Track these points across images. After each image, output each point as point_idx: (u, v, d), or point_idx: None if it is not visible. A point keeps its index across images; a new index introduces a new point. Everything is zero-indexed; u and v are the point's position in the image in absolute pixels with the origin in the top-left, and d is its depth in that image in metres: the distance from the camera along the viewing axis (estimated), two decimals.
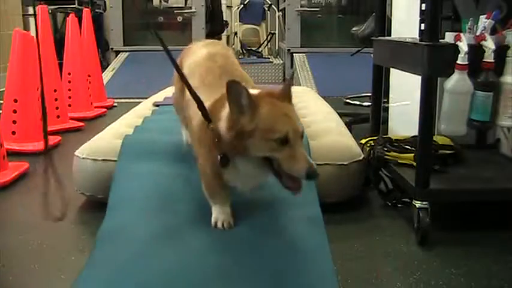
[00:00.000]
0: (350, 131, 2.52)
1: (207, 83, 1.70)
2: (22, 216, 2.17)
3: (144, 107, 3.19)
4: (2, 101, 3.27)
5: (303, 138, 1.42)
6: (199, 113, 1.56)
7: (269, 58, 7.51)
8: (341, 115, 2.90)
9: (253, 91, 1.47)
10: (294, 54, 6.60)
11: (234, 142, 1.43)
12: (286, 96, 1.48)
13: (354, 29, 4.03)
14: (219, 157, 1.50)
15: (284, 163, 1.38)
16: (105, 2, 7.70)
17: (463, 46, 1.83)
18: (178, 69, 1.69)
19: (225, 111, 1.47)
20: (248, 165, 1.47)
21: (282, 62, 7.07)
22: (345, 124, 2.70)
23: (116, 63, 6.56)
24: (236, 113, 1.42)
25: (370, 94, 2.69)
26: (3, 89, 3.31)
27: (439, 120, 2.00)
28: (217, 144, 1.49)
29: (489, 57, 1.86)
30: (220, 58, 1.81)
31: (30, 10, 6.73)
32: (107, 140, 2.32)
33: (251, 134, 1.40)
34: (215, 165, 1.54)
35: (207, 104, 1.56)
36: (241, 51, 7.83)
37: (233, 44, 8.51)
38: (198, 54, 1.87)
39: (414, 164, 1.97)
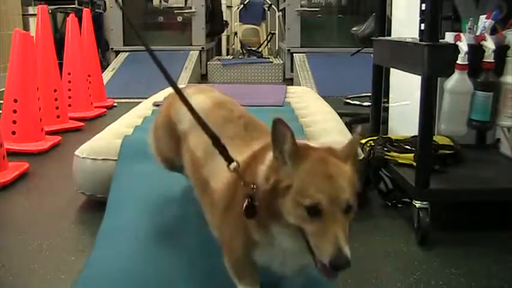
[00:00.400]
0: (350, 131, 2.52)
1: (230, 134, 1.37)
2: (22, 216, 2.17)
3: (144, 107, 3.19)
4: (2, 101, 3.27)
5: (349, 212, 1.09)
6: (223, 169, 1.24)
7: (269, 58, 7.51)
8: (341, 115, 2.90)
9: (305, 142, 1.21)
10: (294, 54, 6.60)
11: (268, 199, 1.13)
12: (348, 155, 1.16)
13: (354, 29, 4.03)
14: (245, 202, 1.17)
15: (311, 239, 1.08)
16: (105, 2, 7.71)
17: (463, 46, 1.83)
18: (180, 92, 1.32)
19: (264, 167, 1.18)
20: (285, 236, 1.15)
21: (282, 62, 7.07)
22: (345, 124, 2.70)
23: (116, 63, 6.56)
24: (278, 160, 1.13)
25: (370, 94, 2.69)
26: (3, 89, 3.31)
27: (439, 120, 2.00)
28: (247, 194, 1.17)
29: (489, 57, 1.86)
30: (233, 106, 1.51)
31: (30, 10, 6.74)
32: (106, 140, 2.32)
33: (285, 191, 1.10)
34: (248, 241, 1.23)
35: (238, 158, 1.25)
36: (241, 51, 7.82)
37: (233, 44, 8.50)
38: (198, 101, 1.47)
39: (414, 164, 1.97)
